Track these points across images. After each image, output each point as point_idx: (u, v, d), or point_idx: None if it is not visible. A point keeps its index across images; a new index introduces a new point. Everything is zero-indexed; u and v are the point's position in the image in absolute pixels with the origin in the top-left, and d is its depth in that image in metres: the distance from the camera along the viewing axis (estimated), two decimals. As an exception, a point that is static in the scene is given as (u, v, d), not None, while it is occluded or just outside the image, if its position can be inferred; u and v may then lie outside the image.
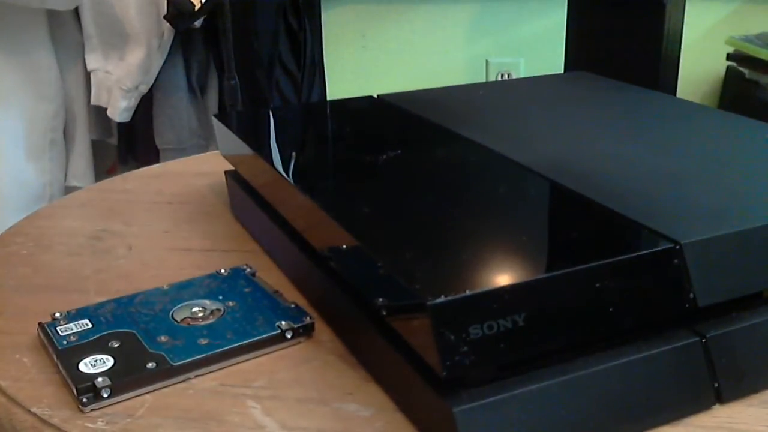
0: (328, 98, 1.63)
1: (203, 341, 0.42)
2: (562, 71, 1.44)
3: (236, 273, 0.50)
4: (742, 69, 1.58)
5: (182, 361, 0.41)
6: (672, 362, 0.37)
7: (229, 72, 1.32)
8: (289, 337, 0.43)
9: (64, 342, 0.42)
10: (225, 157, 0.62)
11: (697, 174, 0.46)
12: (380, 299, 0.36)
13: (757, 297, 0.39)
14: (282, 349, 0.44)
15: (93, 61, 1.37)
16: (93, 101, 1.37)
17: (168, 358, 0.41)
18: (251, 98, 1.45)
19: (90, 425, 0.38)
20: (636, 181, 0.45)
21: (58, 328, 0.44)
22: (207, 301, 0.47)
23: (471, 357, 0.32)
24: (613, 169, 0.47)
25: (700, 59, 1.69)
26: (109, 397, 0.39)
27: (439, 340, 0.32)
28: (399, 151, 0.53)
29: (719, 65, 1.67)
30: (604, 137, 0.55)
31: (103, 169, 1.49)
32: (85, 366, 0.40)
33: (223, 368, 0.42)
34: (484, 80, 1.77)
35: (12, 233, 0.61)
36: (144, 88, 1.37)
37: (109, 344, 0.42)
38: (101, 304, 0.47)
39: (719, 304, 0.38)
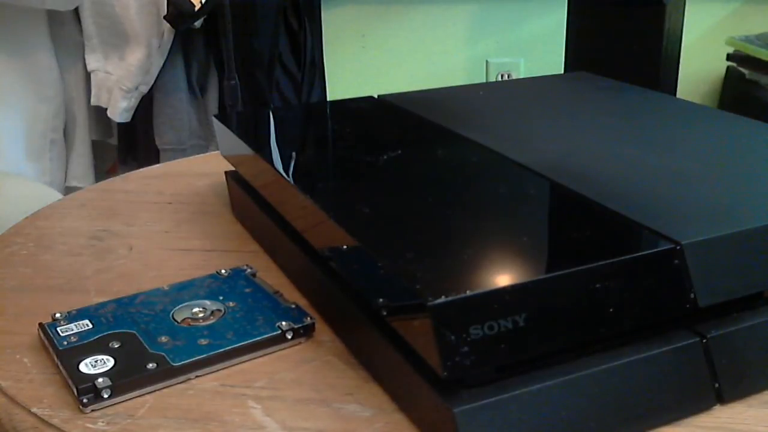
0: (328, 98, 1.63)
1: (204, 342, 0.42)
2: (562, 71, 1.44)
3: (237, 273, 0.50)
4: (742, 69, 1.58)
5: (183, 362, 0.41)
6: (672, 363, 0.37)
7: (229, 72, 1.32)
8: (289, 337, 0.44)
9: (65, 342, 0.42)
10: (225, 157, 0.62)
11: (698, 174, 0.47)
12: (381, 300, 0.36)
13: (758, 297, 0.39)
14: (282, 349, 0.44)
15: (93, 62, 1.37)
16: (93, 101, 1.37)
17: (168, 359, 0.41)
18: (251, 98, 1.45)
19: (90, 426, 0.38)
20: (636, 181, 0.45)
21: (58, 329, 0.44)
22: (207, 302, 0.47)
23: (471, 357, 0.32)
24: (614, 169, 0.47)
25: (700, 59, 1.69)
26: (109, 397, 0.39)
27: (439, 340, 0.32)
28: (399, 152, 0.53)
29: (719, 65, 1.67)
30: (604, 137, 0.55)
31: (103, 170, 1.49)
32: (86, 366, 0.40)
33: (223, 368, 0.42)
34: (484, 80, 1.77)
35: (12, 233, 0.61)
36: (144, 89, 1.37)
37: (110, 345, 0.42)
38: (101, 305, 0.47)
39: (720, 304, 0.38)
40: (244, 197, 0.58)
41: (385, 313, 0.36)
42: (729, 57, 1.60)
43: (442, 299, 0.32)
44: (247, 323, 0.44)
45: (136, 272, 0.53)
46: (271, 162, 0.51)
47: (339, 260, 0.42)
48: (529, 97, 0.67)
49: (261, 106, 1.46)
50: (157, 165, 0.79)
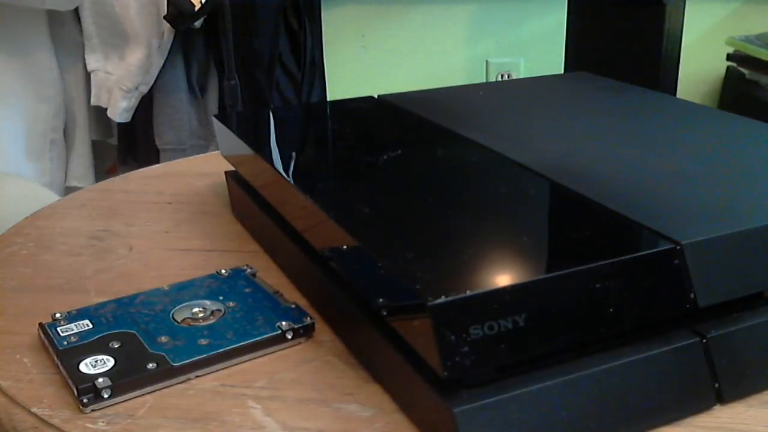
0: (328, 98, 1.63)
1: (204, 342, 0.42)
2: (562, 71, 1.44)
3: (237, 273, 0.50)
4: (742, 69, 1.58)
5: (183, 362, 0.41)
6: (672, 363, 0.37)
7: (229, 72, 1.32)
8: (289, 337, 0.44)
9: (65, 342, 0.42)
10: (225, 157, 0.62)
11: (697, 174, 0.47)
12: (381, 299, 0.36)
13: (758, 297, 0.39)
14: (282, 349, 0.44)
15: (93, 62, 1.37)
16: (93, 101, 1.37)
17: (168, 359, 0.41)
18: (251, 98, 1.45)
19: (90, 426, 0.38)
20: (636, 181, 0.45)
21: (58, 329, 0.44)
22: (207, 302, 0.47)
23: (472, 357, 0.32)
24: (613, 169, 0.47)
25: (700, 59, 1.69)
26: (109, 397, 0.39)
27: (439, 340, 0.32)
28: (399, 152, 0.53)
29: (719, 65, 1.67)
30: (604, 137, 0.55)
31: (103, 170, 1.49)
32: (86, 366, 0.40)
33: (223, 368, 0.42)
34: (484, 80, 1.77)
35: (12, 233, 0.61)
36: (144, 89, 1.37)
37: (110, 345, 0.42)
38: (102, 305, 0.47)
39: (720, 304, 0.38)
40: (244, 197, 0.58)
41: (385, 313, 0.36)
42: (729, 57, 1.60)
43: (442, 299, 0.32)
44: (247, 323, 0.44)
45: (136, 272, 0.53)
46: (271, 162, 0.51)
47: (339, 260, 0.42)
48: (529, 97, 0.67)
49: (261, 106, 1.46)
50: (157, 165, 0.79)
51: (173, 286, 0.49)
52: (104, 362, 0.41)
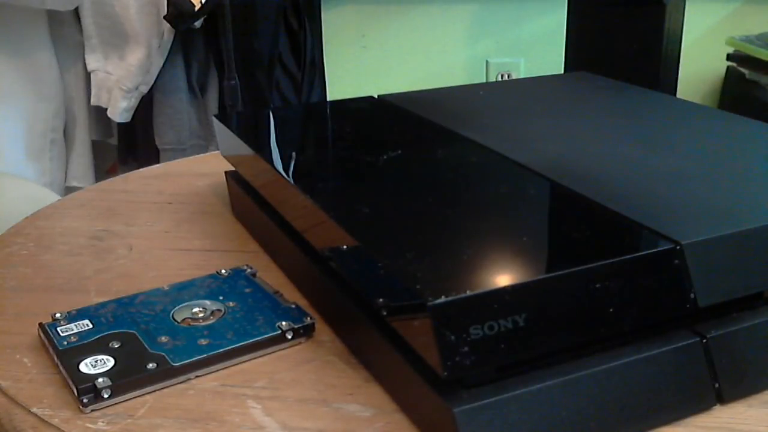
0: (328, 98, 1.63)
1: (204, 342, 0.42)
2: (562, 71, 1.44)
3: (237, 273, 0.50)
4: (742, 69, 1.58)
5: (183, 362, 0.41)
6: (672, 363, 0.37)
7: (229, 72, 1.32)
8: (289, 337, 0.44)
9: (65, 342, 0.42)
10: (225, 157, 0.62)
11: (697, 174, 0.47)
12: (381, 299, 0.36)
13: (758, 297, 0.39)
14: (282, 349, 0.44)
15: (93, 62, 1.37)
16: (93, 101, 1.37)
17: (168, 359, 0.41)
18: (251, 98, 1.45)
19: (90, 425, 0.38)
20: (636, 181, 0.45)
21: (58, 329, 0.44)
22: (207, 302, 0.47)
23: (472, 357, 0.32)
24: (613, 169, 0.47)
25: (700, 59, 1.69)
26: (109, 397, 0.39)
27: (439, 340, 0.32)
28: (399, 152, 0.53)
29: (719, 65, 1.67)
30: (604, 137, 0.55)
31: (103, 169, 1.49)
32: (86, 366, 0.40)
33: (223, 368, 0.42)
34: (484, 80, 1.77)
35: (12, 233, 0.61)
36: (144, 89, 1.37)
37: (110, 345, 0.42)
38: (102, 305, 0.47)
39: (720, 304, 0.38)
40: (244, 197, 0.58)
41: (385, 313, 0.36)
42: (729, 57, 1.60)
43: (442, 299, 0.32)
44: (247, 323, 0.44)
45: (136, 272, 0.53)
46: (271, 162, 0.51)
47: (339, 260, 0.42)
48: (529, 97, 0.67)
49: (261, 106, 1.46)
50: (157, 165, 0.79)
51: (173, 286, 0.49)
52: (104, 362, 0.41)
